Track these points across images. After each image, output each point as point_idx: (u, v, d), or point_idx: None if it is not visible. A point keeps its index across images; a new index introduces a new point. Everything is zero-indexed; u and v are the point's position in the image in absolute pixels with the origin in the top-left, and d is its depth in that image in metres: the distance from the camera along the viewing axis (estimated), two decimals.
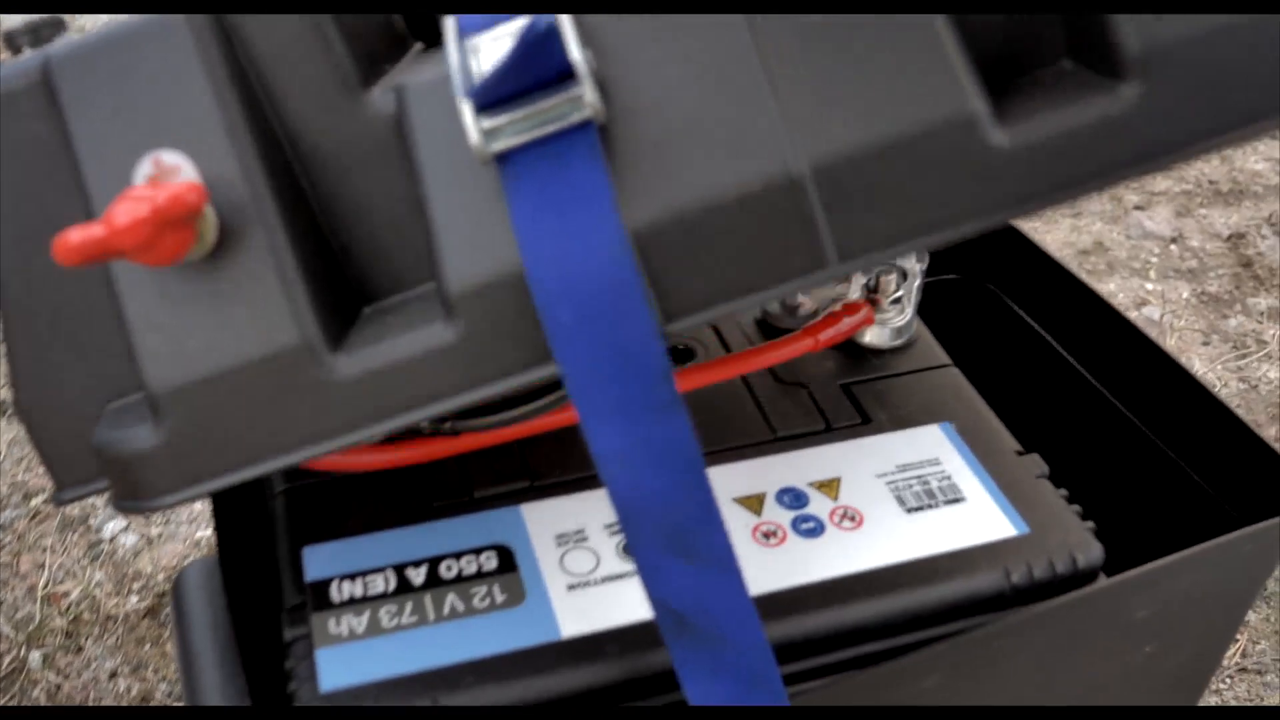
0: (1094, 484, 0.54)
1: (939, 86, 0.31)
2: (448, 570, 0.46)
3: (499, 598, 0.45)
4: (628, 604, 0.45)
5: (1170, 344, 1.39)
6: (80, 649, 0.91)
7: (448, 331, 0.33)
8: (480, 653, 0.43)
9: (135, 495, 0.35)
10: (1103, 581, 0.48)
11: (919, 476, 0.50)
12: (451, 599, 0.45)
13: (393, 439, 0.49)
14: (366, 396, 0.33)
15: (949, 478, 0.50)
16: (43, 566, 1.00)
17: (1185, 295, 1.45)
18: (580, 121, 0.31)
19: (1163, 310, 1.42)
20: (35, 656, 0.92)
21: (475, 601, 0.45)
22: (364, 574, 0.46)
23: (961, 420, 0.54)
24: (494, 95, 0.31)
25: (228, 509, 0.52)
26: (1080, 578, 0.47)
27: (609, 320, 0.32)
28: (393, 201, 0.35)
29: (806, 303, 0.58)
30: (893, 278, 0.55)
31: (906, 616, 0.45)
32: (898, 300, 0.56)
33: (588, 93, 0.31)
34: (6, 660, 0.92)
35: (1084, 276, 1.54)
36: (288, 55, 0.35)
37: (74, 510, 1.05)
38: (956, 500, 0.49)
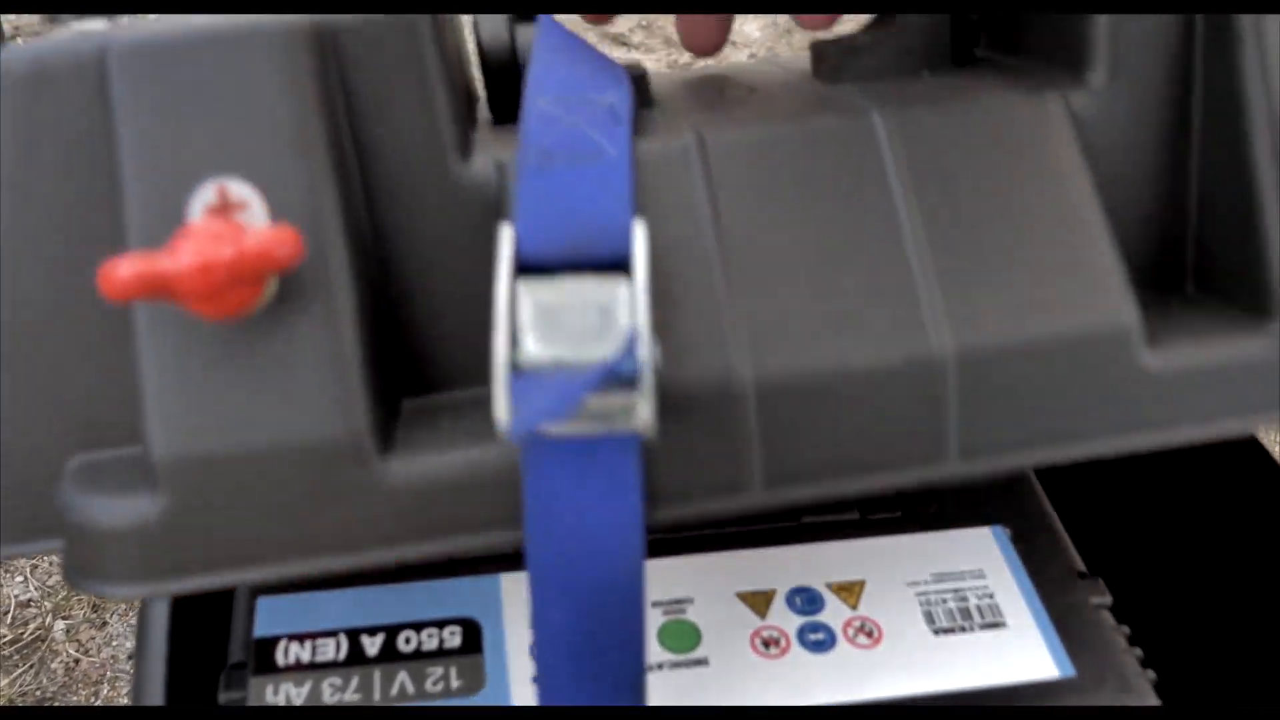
0: (1171, 622, 0.47)
1: (1099, 294, 0.31)
2: (405, 643, 0.42)
3: (454, 683, 0.40)
4: None
5: None
6: (105, 624, 0.90)
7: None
8: None
9: (98, 573, 0.29)
10: None
11: (956, 590, 0.44)
12: (403, 678, 0.41)
13: None
14: (413, 510, 0.29)
15: (991, 595, 0.43)
16: None
17: None
18: (626, 433, 0.28)
19: None
20: (60, 627, 0.92)
21: (428, 684, 0.40)
22: (315, 636, 0.42)
23: (1018, 525, 0.47)
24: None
25: None
26: None
27: (602, 634, 0.29)
28: (469, 286, 0.31)
29: None
30: None
31: None
32: None
33: (643, 409, 0.27)
34: (31, 627, 0.91)
35: None
36: (392, 96, 0.30)
37: None
38: (996, 625, 0.42)
